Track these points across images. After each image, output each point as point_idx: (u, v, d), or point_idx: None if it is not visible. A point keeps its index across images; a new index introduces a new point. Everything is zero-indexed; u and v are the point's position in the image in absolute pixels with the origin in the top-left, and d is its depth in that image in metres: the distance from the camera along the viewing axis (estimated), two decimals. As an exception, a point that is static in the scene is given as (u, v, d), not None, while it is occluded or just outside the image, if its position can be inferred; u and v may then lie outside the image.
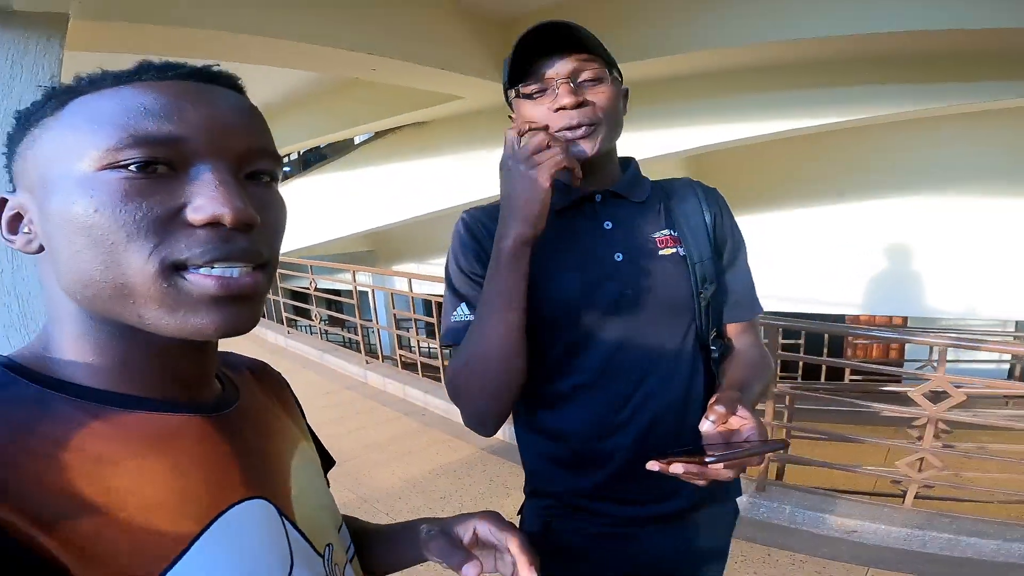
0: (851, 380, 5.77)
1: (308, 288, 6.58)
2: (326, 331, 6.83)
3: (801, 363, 5.49)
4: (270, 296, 7.71)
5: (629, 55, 3.80)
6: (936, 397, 2.48)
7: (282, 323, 7.06)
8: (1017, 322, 6.87)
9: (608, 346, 0.86)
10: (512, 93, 0.86)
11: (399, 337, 5.23)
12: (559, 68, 0.82)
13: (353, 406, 4.68)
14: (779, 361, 2.84)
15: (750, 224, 7.56)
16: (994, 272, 6.35)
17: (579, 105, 0.81)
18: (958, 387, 2.36)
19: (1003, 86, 3.74)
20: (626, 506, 0.91)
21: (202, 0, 2.49)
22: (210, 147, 0.40)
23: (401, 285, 5.34)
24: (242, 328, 0.41)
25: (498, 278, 0.79)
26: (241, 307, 0.41)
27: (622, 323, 0.86)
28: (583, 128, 0.83)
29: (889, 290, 6.86)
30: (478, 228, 0.91)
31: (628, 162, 0.97)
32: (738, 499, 1.06)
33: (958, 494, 3.22)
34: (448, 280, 0.92)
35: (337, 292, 7.87)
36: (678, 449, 0.68)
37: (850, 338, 6.43)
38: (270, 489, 0.46)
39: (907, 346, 7.47)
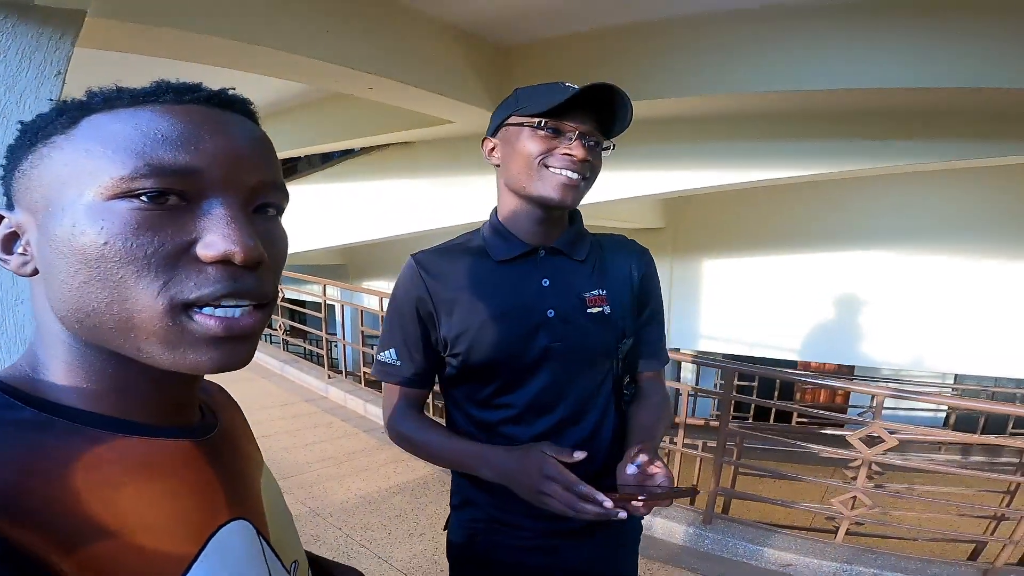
0: (798, 422, 6.05)
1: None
2: (287, 341, 6.75)
3: (753, 404, 5.73)
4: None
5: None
6: (872, 441, 2.67)
7: (245, 330, 6.93)
8: (956, 375, 7.31)
9: (535, 388, 0.97)
10: (524, 120, 0.92)
11: (364, 354, 5.23)
12: (586, 123, 0.91)
13: (311, 419, 4.64)
14: (734, 402, 3.02)
15: (716, 267, 7.91)
16: (938, 327, 6.77)
17: (585, 162, 0.91)
18: (892, 433, 2.56)
19: (961, 146, 4.00)
20: (544, 521, 0.98)
21: (215, 8, 2.56)
22: (224, 180, 0.40)
23: (371, 302, 5.36)
24: (238, 365, 0.42)
25: (460, 461, 0.98)
26: (239, 345, 0.41)
27: (549, 369, 0.96)
28: (577, 178, 0.92)
29: (839, 339, 7.22)
30: (422, 276, 0.98)
31: (574, 216, 1.05)
32: (686, 531, 1.23)
33: (885, 531, 3.43)
34: (389, 313, 1.04)
35: (302, 303, 7.80)
36: (609, 486, 0.81)
37: (799, 384, 6.77)
38: (248, 510, 0.48)
39: (852, 393, 7.84)
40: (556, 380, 0.97)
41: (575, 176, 0.91)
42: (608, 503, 0.76)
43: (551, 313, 0.96)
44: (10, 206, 0.42)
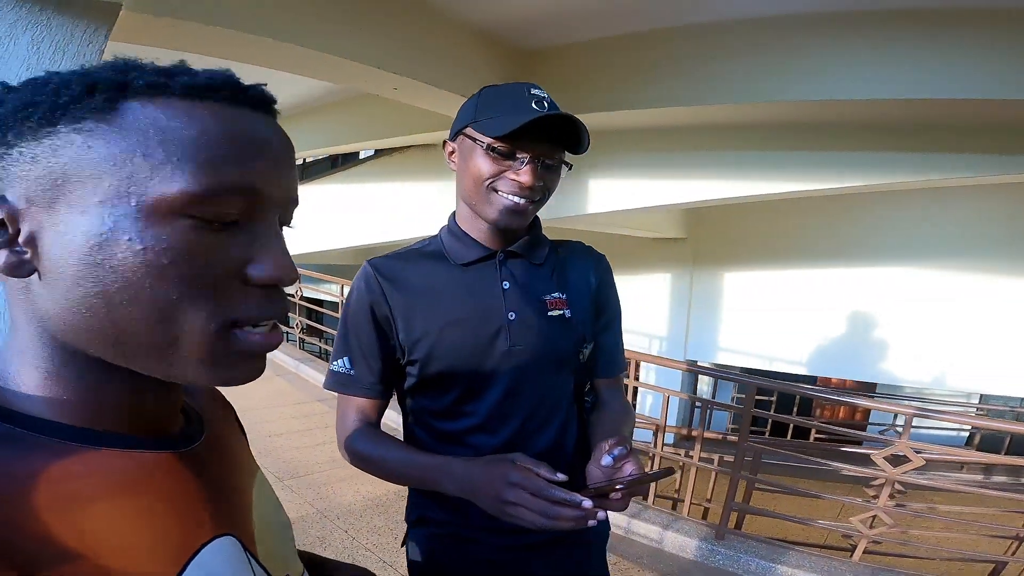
0: (816, 439, 5.93)
1: (293, 296, 6.57)
2: (303, 339, 6.79)
3: (770, 420, 5.63)
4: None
5: (631, 102, 3.97)
6: (896, 460, 2.60)
7: (261, 327, 6.99)
8: (981, 395, 7.11)
9: (497, 394, 0.94)
10: (478, 137, 0.89)
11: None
12: (538, 147, 0.88)
13: (323, 419, 4.63)
14: (752, 417, 2.96)
15: (736, 280, 7.79)
16: (963, 345, 6.58)
17: (533, 186, 0.88)
18: (918, 452, 2.48)
19: (993, 160, 3.89)
20: (507, 535, 0.94)
21: (244, 4, 2.60)
22: (273, 199, 0.39)
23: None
24: (256, 377, 0.41)
25: (421, 477, 0.91)
26: (262, 360, 0.41)
27: (511, 374, 0.94)
28: (523, 203, 0.90)
29: (860, 356, 7.06)
30: (378, 281, 0.95)
31: (533, 223, 1.03)
32: (698, 546, 1.18)
33: (904, 550, 3.35)
34: (341, 321, 0.99)
35: (320, 302, 7.85)
36: (579, 486, 0.75)
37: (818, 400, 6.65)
38: (235, 525, 0.44)
39: (872, 410, 7.68)
40: (518, 385, 0.94)
41: (521, 202, 0.89)
42: (587, 503, 0.70)
43: (512, 316, 0.94)
44: None
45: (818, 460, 3.09)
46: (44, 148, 0.34)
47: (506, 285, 0.96)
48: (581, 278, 1.02)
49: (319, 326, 6.79)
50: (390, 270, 0.96)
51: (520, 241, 0.98)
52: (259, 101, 0.39)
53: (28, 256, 0.35)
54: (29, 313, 0.37)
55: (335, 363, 0.99)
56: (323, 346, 7.08)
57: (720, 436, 4.44)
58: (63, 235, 0.34)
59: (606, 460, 0.79)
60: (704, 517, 3.10)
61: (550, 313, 0.96)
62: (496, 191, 0.89)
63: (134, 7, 2.15)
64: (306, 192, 8.76)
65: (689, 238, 7.86)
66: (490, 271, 0.97)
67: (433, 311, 0.94)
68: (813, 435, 5.94)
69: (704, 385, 7.64)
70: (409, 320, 0.94)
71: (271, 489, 0.56)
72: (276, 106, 0.42)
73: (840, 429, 3.38)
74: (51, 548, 0.32)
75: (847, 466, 2.99)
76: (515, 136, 0.86)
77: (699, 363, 6.85)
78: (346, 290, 5.83)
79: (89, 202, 0.34)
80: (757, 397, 5.70)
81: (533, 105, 0.87)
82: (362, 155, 8.00)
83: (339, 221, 7.66)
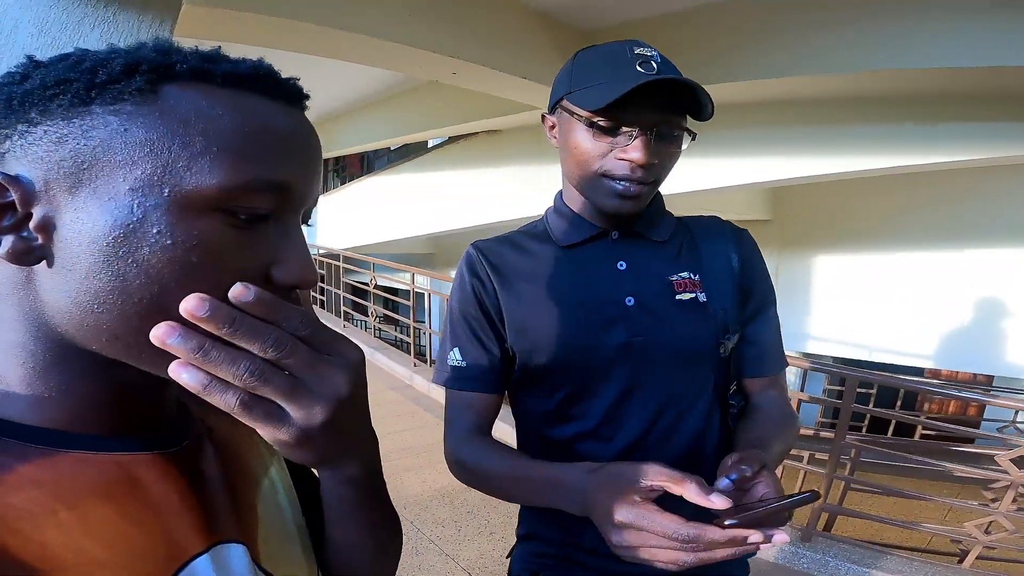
0: (923, 436, 5.35)
1: (368, 285, 6.74)
2: (380, 328, 6.96)
3: (869, 415, 5.15)
4: (330, 288, 8.00)
5: (712, 76, 3.68)
6: (1021, 461, 2.28)
7: (339, 316, 7.26)
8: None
9: (613, 394, 0.80)
10: (576, 111, 0.76)
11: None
12: (647, 116, 0.73)
13: (395, 408, 4.71)
14: (851, 413, 2.67)
15: (827, 264, 7.24)
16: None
17: (646, 164, 0.74)
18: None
19: None
20: (623, 563, 0.83)
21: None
22: (301, 198, 0.37)
23: (457, 291, 5.38)
24: None
25: (531, 494, 0.77)
26: None
27: (629, 371, 0.79)
28: (638, 187, 0.76)
29: (974, 346, 6.29)
30: (483, 265, 0.86)
31: (653, 196, 0.89)
32: (780, 548, 0.97)
33: (1020, 556, 2.99)
34: (449, 310, 0.89)
35: (395, 291, 8.04)
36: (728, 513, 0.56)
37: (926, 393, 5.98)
38: (236, 530, 0.40)
39: (987, 406, 6.87)
40: (638, 384, 0.79)
41: (634, 187, 0.75)
42: (755, 535, 0.53)
43: (630, 301, 0.80)
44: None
45: (925, 459, 2.75)
46: (74, 128, 0.31)
47: (622, 266, 0.82)
48: (719, 257, 0.85)
49: (394, 315, 6.94)
50: (494, 252, 0.86)
51: (638, 217, 0.84)
52: (295, 95, 0.38)
53: (38, 243, 0.32)
54: (24, 305, 0.34)
55: (447, 358, 0.87)
56: (398, 335, 7.24)
57: (812, 432, 4.09)
58: (83, 223, 0.32)
59: (722, 483, 0.60)
60: (789, 518, 2.86)
61: (679, 296, 0.80)
62: (604, 176, 0.76)
63: (193, 0, 2.20)
64: (377, 182, 8.99)
65: (774, 220, 7.33)
66: (603, 251, 0.83)
67: (537, 298, 0.82)
68: (919, 432, 5.35)
69: (791, 376, 7.11)
70: (513, 307, 0.83)
71: (287, 486, 0.51)
72: (304, 91, 0.40)
73: (951, 426, 3.00)
74: (3, 566, 0.28)
75: (961, 467, 2.64)
76: (619, 106, 0.71)
77: (787, 353, 6.35)
78: (418, 279, 5.89)
79: (118, 190, 0.31)
80: (858, 390, 5.26)
81: (638, 67, 0.71)
82: (431, 144, 8.09)
83: (410, 210, 7.79)
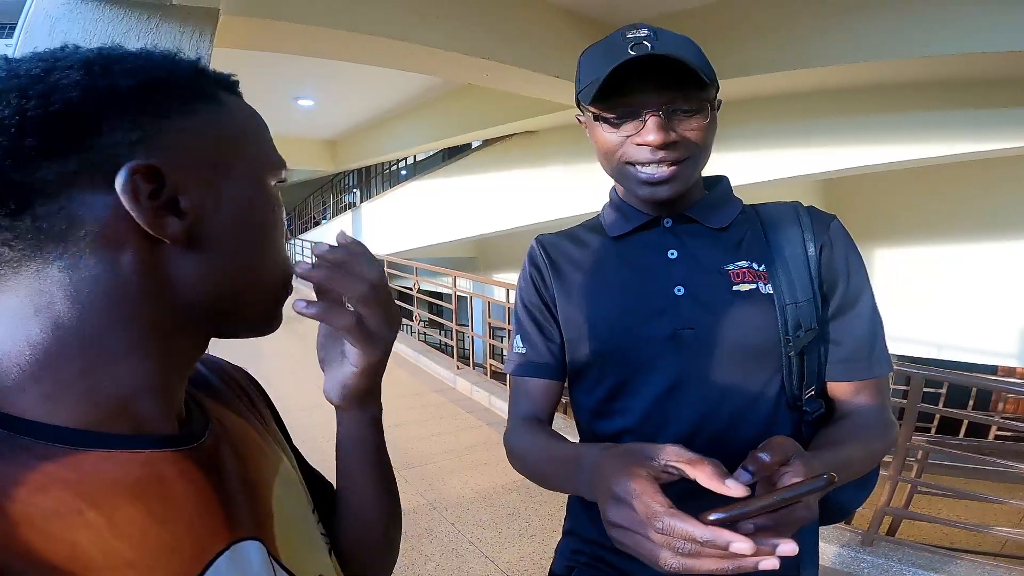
0: (997, 436, 4.96)
1: (411, 289, 6.82)
2: (424, 332, 7.03)
3: (938, 415, 4.81)
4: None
5: (756, 67, 3.55)
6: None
7: (384, 320, 7.37)
8: None
9: (658, 389, 0.75)
10: (587, 106, 0.75)
11: (491, 346, 5.25)
12: (652, 97, 0.70)
13: (438, 410, 4.73)
14: (916, 414, 2.50)
15: (889, 259, 6.88)
16: None
17: (666, 145, 0.70)
18: None
19: None
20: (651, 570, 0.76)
21: (340, 3, 2.67)
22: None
23: (499, 294, 5.38)
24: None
25: (559, 475, 0.72)
26: None
27: (676, 365, 0.74)
28: (666, 169, 0.72)
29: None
30: (542, 257, 0.87)
31: (716, 181, 0.85)
32: (838, 552, 0.88)
33: None
34: (516, 301, 0.90)
35: (439, 295, 8.11)
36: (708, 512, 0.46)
37: (1003, 392, 5.53)
38: (255, 527, 0.41)
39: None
40: (687, 380, 0.74)
41: (658, 170, 0.72)
42: (741, 544, 0.43)
43: (680, 291, 0.75)
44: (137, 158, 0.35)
45: (996, 461, 2.53)
46: (189, 120, 0.38)
47: (673, 254, 0.78)
48: (791, 244, 0.77)
49: (439, 319, 6.99)
50: (554, 247, 0.87)
51: (694, 203, 0.80)
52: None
53: (190, 223, 0.37)
54: (133, 288, 0.36)
55: (514, 346, 0.88)
56: (443, 339, 7.30)
57: None
58: (225, 203, 0.39)
59: (741, 476, 0.52)
60: (848, 522, 2.68)
61: (736, 287, 0.75)
62: (629, 164, 0.74)
63: (232, 10, 2.27)
64: (419, 186, 9.12)
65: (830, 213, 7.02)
66: (654, 240, 0.80)
67: (585, 287, 0.81)
68: (993, 433, 4.95)
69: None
70: (563, 298, 0.83)
71: (298, 480, 0.52)
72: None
73: (1025, 427, 2.75)
74: (36, 568, 0.28)
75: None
76: (621, 92, 0.69)
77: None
78: (459, 283, 5.93)
79: (239, 172, 0.40)
80: (925, 390, 4.92)
81: (630, 50, 0.68)
82: (474, 145, 8.16)
83: (451, 213, 7.86)
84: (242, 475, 0.43)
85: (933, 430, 5.09)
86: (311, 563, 0.47)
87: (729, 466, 0.64)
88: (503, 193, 6.94)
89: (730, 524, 0.44)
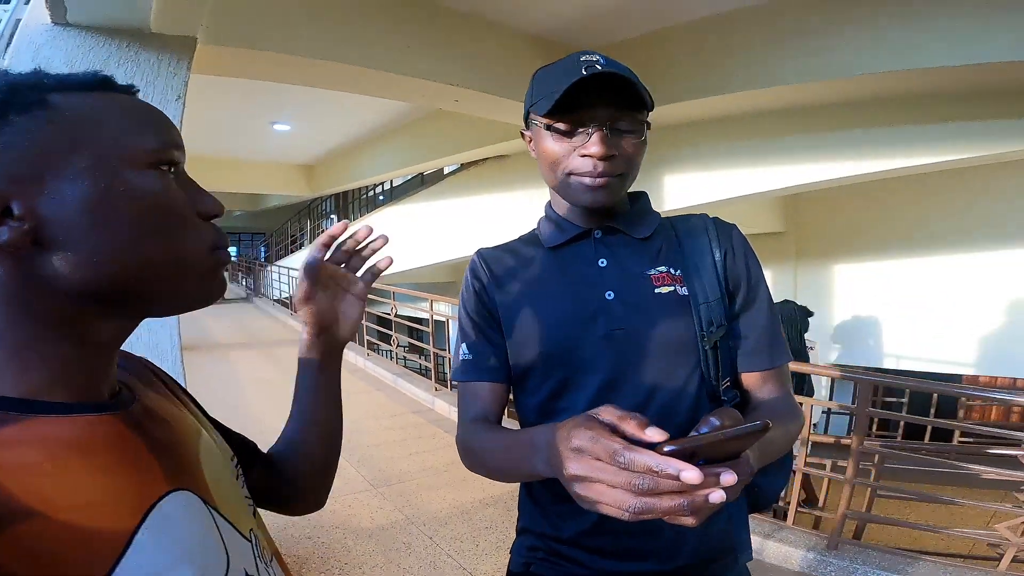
0: (961, 442, 5.11)
1: (389, 314, 6.85)
2: (404, 357, 7.03)
3: (902, 424, 4.95)
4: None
5: (712, 88, 3.74)
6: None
7: (363, 345, 7.37)
8: None
9: (597, 385, 0.82)
10: (538, 119, 0.83)
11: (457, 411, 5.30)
12: (599, 113, 0.79)
13: (417, 430, 4.74)
14: (877, 421, 2.61)
15: (849, 272, 7.09)
16: None
17: (607, 158, 0.79)
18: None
19: None
20: (606, 559, 0.83)
21: (305, 31, 2.77)
22: (181, 153, 0.48)
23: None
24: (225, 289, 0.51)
25: (512, 458, 0.75)
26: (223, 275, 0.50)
27: (612, 362, 0.82)
28: (605, 179, 0.80)
29: (1013, 349, 6.05)
30: (484, 269, 0.93)
31: (638, 196, 0.94)
32: (804, 556, 0.97)
33: None
34: (459, 310, 0.96)
35: (418, 320, 8.13)
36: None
37: (964, 399, 5.70)
38: (189, 480, 0.46)
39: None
40: (622, 376, 0.82)
41: (598, 180, 0.80)
42: (691, 472, 0.46)
43: (610, 295, 0.84)
44: None
45: (952, 463, 2.65)
46: (9, 136, 0.39)
47: (603, 263, 0.87)
48: (701, 251, 0.87)
49: (419, 343, 6.99)
50: (494, 259, 0.94)
51: (620, 216, 0.89)
52: (132, 90, 0.48)
53: (26, 228, 0.39)
54: (9, 291, 0.40)
55: (459, 353, 0.93)
56: (423, 363, 7.30)
57: (833, 440, 3.95)
58: (61, 201, 0.39)
59: (703, 430, 0.57)
60: (816, 527, 2.76)
61: (657, 290, 0.84)
62: (572, 175, 0.82)
63: (209, 40, 2.35)
64: (396, 211, 9.19)
65: (788, 231, 7.26)
66: (586, 250, 0.88)
67: (524, 295, 0.89)
68: (957, 438, 5.11)
69: (824, 389, 6.91)
70: (505, 306, 0.90)
71: (219, 450, 0.56)
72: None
73: (989, 430, 2.88)
74: (10, 508, 0.33)
75: (990, 469, 2.53)
76: (572, 109, 0.78)
77: (813, 364, 6.20)
78: (438, 306, 5.98)
79: (77, 169, 0.40)
80: (887, 399, 5.06)
81: (584, 71, 0.77)
82: (446, 171, 8.27)
83: (428, 238, 7.92)
84: (171, 437, 0.48)
85: (900, 437, 5.25)
86: (244, 519, 0.52)
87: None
88: (477, 216, 7.04)
89: (684, 457, 0.47)
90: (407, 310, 7.40)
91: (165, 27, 2.08)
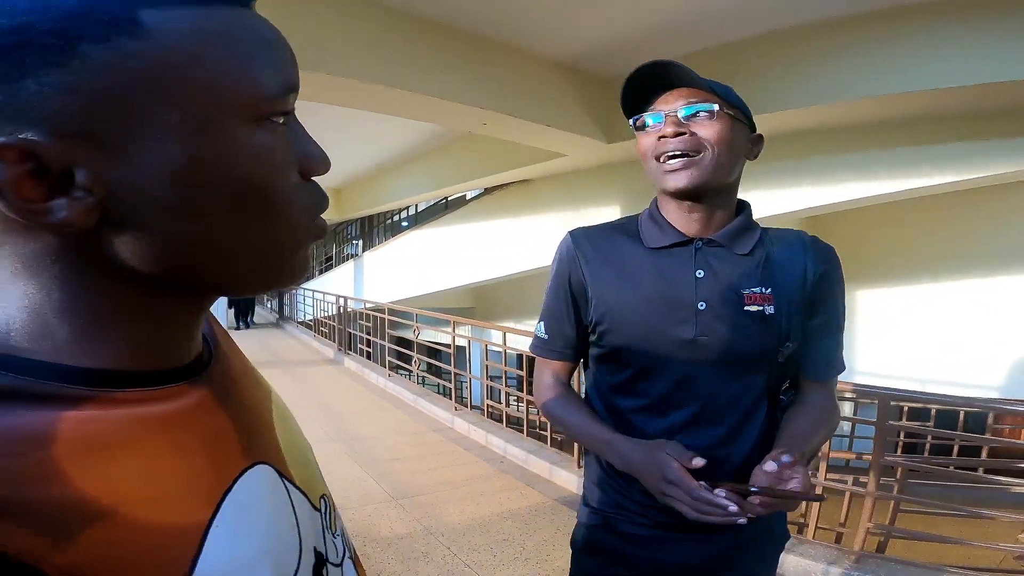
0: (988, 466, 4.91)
1: (412, 337, 6.95)
2: (423, 377, 7.08)
3: (927, 446, 4.81)
4: (376, 340, 8.26)
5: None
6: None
7: (384, 366, 7.46)
8: None
9: (674, 378, 0.92)
10: (630, 123, 0.95)
11: (489, 388, 5.34)
12: (667, 100, 0.89)
13: (436, 447, 4.78)
14: (886, 433, 2.60)
15: (874, 298, 7.01)
16: None
17: (679, 135, 0.87)
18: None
19: None
20: (664, 514, 0.93)
21: (342, 51, 2.95)
22: (295, 95, 0.37)
23: (496, 339, 5.51)
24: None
25: (593, 444, 0.99)
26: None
27: (691, 361, 0.91)
28: (679, 159, 0.87)
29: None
30: (577, 251, 1.00)
31: (742, 207, 0.99)
32: (826, 570, 1.12)
33: None
34: (548, 288, 1.06)
35: (439, 343, 8.21)
36: (728, 482, 0.81)
37: (991, 420, 5.50)
38: (265, 450, 0.41)
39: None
40: (696, 375, 0.92)
41: (675, 160, 0.88)
42: (732, 507, 0.76)
43: (702, 306, 0.91)
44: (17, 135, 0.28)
45: (979, 476, 2.60)
46: (84, 76, 0.28)
47: (700, 274, 0.93)
48: (794, 271, 0.93)
49: (439, 363, 7.07)
50: (588, 242, 1.00)
51: (723, 230, 0.94)
52: (250, 1, 0.36)
53: (92, 200, 0.30)
54: (78, 266, 0.32)
55: (537, 327, 1.07)
56: (442, 383, 7.34)
57: (855, 456, 3.88)
58: (143, 167, 0.30)
59: (769, 466, 0.79)
60: (837, 542, 2.72)
61: (747, 308, 0.91)
62: (657, 159, 0.90)
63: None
64: (419, 236, 9.37)
65: (813, 256, 7.20)
66: (685, 258, 0.94)
67: (621, 289, 0.95)
68: (985, 454, 4.93)
69: (846, 411, 6.75)
70: (600, 291, 0.97)
71: (287, 408, 0.51)
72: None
73: (1018, 443, 2.82)
74: (81, 506, 0.28)
75: (1019, 481, 2.48)
76: (646, 106, 0.91)
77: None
78: (458, 329, 6.06)
79: (170, 123, 0.30)
80: (909, 423, 4.91)
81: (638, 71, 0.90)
82: (469, 196, 8.43)
83: (450, 261, 8.05)
84: (246, 401, 0.43)
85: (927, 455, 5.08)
86: (315, 485, 0.47)
87: (717, 437, 0.93)
88: (501, 241, 7.15)
89: (733, 491, 0.78)
90: (429, 332, 7.50)
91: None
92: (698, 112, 0.87)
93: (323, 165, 0.38)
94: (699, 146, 0.87)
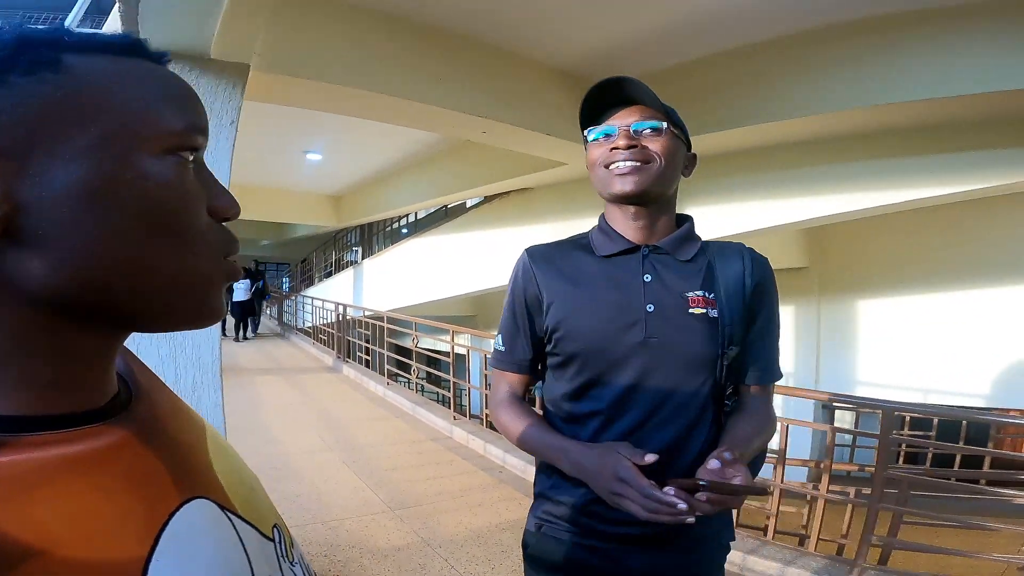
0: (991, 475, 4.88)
1: (411, 345, 6.94)
2: (423, 386, 7.06)
3: (929, 457, 4.78)
4: (375, 348, 8.24)
5: (735, 120, 3.82)
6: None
7: (383, 375, 7.44)
8: None
9: (625, 383, 0.96)
10: (584, 135, 1.02)
11: (487, 397, 5.33)
12: (622, 115, 0.96)
13: (434, 456, 4.76)
14: (901, 449, 2.57)
15: (874, 308, 7.00)
16: None
17: (631, 147, 0.94)
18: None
19: None
20: (611, 525, 0.97)
21: (347, 61, 2.98)
22: (205, 138, 0.39)
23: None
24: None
25: (544, 451, 1.01)
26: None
27: (641, 366, 0.96)
28: (630, 165, 0.95)
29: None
30: (530, 265, 1.06)
31: (684, 219, 1.07)
32: None
33: None
34: (505, 303, 1.11)
35: (437, 352, 8.20)
36: (677, 478, 0.83)
37: (993, 431, 5.47)
38: (203, 485, 0.40)
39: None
40: (647, 378, 0.95)
41: (625, 165, 0.95)
42: (682, 505, 0.78)
43: (651, 308, 0.96)
44: None
45: (981, 488, 2.58)
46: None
47: (647, 278, 0.99)
48: (734, 279, 1.00)
49: (439, 373, 7.05)
50: (543, 255, 1.06)
51: (667, 238, 1.02)
52: (164, 57, 0.40)
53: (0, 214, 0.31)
54: None
55: (495, 341, 1.12)
56: (441, 392, 7.32)
57: (857, 467, 3.85)
58: (61, 183, 0.32)
59: (713, 464, 0.82)
60: (839, 554, 2.69)
61: (691, 310, 0.97)
62: (605, 167, 0.97)
63: (258, 67, 2.54)
64: (419, 244, 9.37)
65: (811, 267, 7.22)
66: (633, 264, 1.01)
67: (574, 296, 1.00)
68: (987, 465, 4.89)
69: (845, 416, 6.72)
70: (554, 299, 1.02)
71: (228, 444, 0.51)
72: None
73: (1020, 456, 2.80)
74: (8, 547, 0.28)
75: (1015, 492, 2.46)
76: (601, 120, 0.98)
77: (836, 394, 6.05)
78: (457, 338, 6.06)
79: (77, 148, 0.32)
80: (914, 431, 4.89)
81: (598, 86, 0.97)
82: (468, 204, 8.43)
83: (450, 270, 8.04)
84: (178, 437, 0.42)
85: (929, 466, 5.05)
86: (265, 515, 0.46)
87: (668, 439, 0.96)
88: (500, 249, 7.15)
89: (681, 487, 0.80)
90: (428, 341, 7.47)
91: (223, 53, 2.23)
92: (648, 128, 0.95)
93: (232, 209, 0.40)
94: (648, 157, 0.95)
